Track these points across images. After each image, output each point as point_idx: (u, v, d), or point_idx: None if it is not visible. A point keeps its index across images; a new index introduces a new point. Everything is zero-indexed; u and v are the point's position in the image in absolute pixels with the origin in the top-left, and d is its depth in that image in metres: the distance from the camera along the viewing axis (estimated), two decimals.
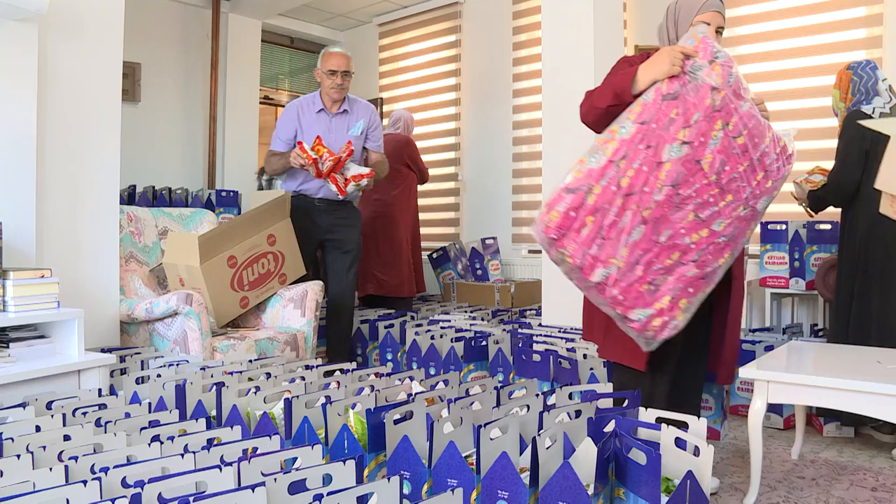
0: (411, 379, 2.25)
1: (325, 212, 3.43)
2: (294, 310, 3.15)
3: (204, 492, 1.26)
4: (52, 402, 1.94)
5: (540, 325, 3.51)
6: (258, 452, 1.49)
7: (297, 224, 3.33)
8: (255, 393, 2.00)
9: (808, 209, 2.91)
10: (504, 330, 3.33)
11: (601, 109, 1.96)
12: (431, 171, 5.15)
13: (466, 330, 3.33)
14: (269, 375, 2.27)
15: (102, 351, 2.49)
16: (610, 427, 1.64)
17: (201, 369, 2.33)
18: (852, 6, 3.59)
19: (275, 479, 1.25)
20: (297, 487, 1.28)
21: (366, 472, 1.69)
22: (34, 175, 2.52)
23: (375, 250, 4.31)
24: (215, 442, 1.59)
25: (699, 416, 1.82)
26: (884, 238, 2.51)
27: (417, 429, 1.67)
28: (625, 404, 1.89)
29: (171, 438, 1.54)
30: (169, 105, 5.18)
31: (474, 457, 1.52)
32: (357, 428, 1.75)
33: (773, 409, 2.81)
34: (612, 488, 1.55)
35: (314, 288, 3.19)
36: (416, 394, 1.98)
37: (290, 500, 1.25)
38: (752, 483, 2.00)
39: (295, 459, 1.46)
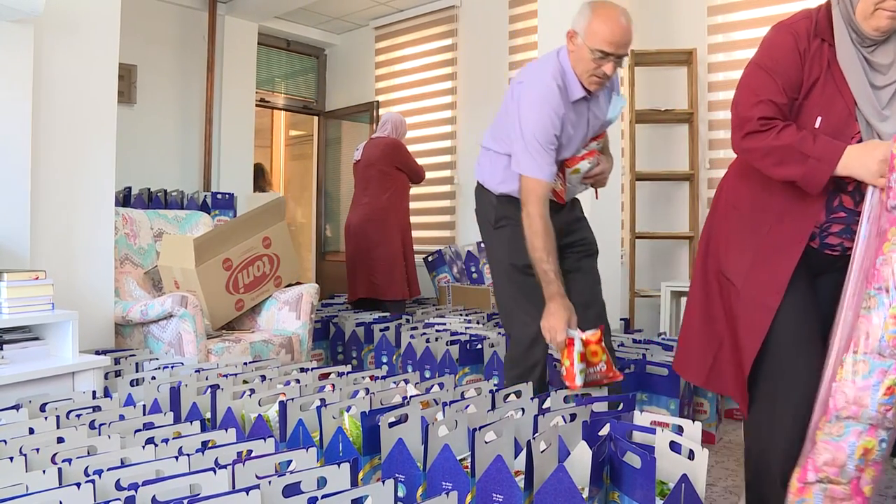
0: (406, 382, 2.25)
1: (555, 208, 2.25)
2: (289, 312, 3.14)
3: (198, 494, 1.26)
4: (45, 404, 1.93)
5: None
6: (253, 455, 1.49)
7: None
8: (250, 395, 1.99)
9: None
10: (499, 333, 3.33)
11: (773, 174, 1.60)
12: (428, 174, 5.13)
13: (462, 333, 3.33)
14: (263, 378, 2.27)
15: (97, 353, 2.48)
16: (605, 430, 1.65)
17: (196, 371, 2.33)
18: None
19: (269, 482, 1.24)
20: (291, 490, 1.27)
21: (360, 475, 1.69)
22: (29, 176, 2.51)
23: (367, 254, 4.31)
24: (210, 444, 1.58)
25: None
26: None
27: (412, 432, 1.67)
28: (620, 407, 1.89)
29: (166, 441, 1.54)
30: (165, 107, 5.17)
31: (469, 460, 1.52)
32: (352, 431, 1.75)
33: None
34: (606, 492, 1.55)
35: (309, 290, 3.18)
36: (411, 397, 1.98)
37: (285, 503, 1.25)
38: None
39: (289, 462, 1.46)
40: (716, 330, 1.78)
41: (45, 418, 1.72)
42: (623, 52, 2.06)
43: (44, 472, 1.30)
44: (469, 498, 1.50)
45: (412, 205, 4.67)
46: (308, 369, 2.45)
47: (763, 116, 1.57)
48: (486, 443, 1.52)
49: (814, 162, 1.51)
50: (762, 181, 1.67)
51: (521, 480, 1.44)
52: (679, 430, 1.68)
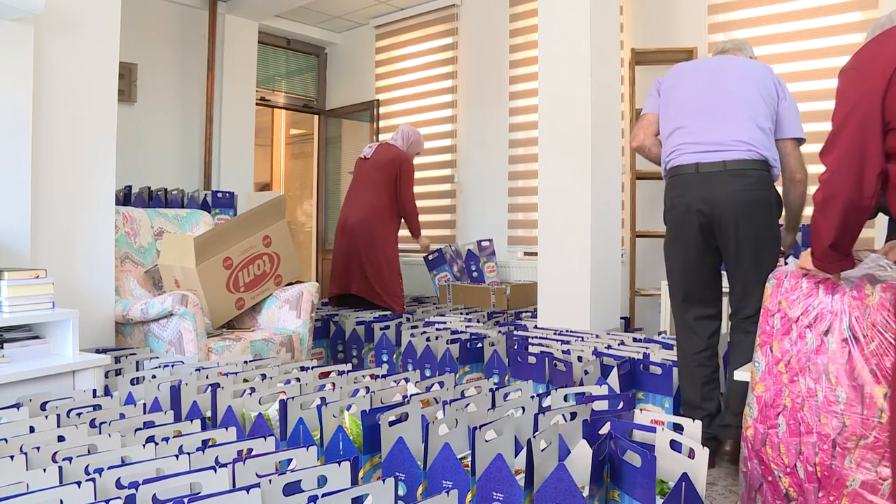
0: (407, 381, 2.25)
1: None
2: (290, 311, 3.14)
3: (199, 493, 1.26)
4: (46, 402, 1.93)
5: (535, 327, 3.51)
6: (253, 454, 1.49)
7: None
8: (251, 394, 1.99)
9: None
10: (499, 332, 3.33)
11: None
12: (428, 174, 5.14)
13: (462, 332, 3.33)
14: (264, 377, 2.27)
15: (97, 352, 2.49)
16: (605, 429, 1.65)
17: (196, 370, 2.33)
18: (848, 11, 3.61)
19: (269, 481, 1.24)
20: (291, 489, 1.28)
21: (361, 474, 1.69)
22: (29, 175, 2.51)
23: (371, 253, 4.28)
24: (210, 443, 1.58)
25: None
26: None
27: (413, 430, 1.67)
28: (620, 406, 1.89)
29: (166, 439, 1.54)
30: (165, 106, 5.17)
31: (469, 459, 1.52)
32: (352, 429, 1.75)
33: None
34: (606, 490, 1.55)
35: (310, 289, 3.19)
36: (411, 395, 1.98)
37: (285, 502, 1.25)
38: None
39: (290, 461, 1.46)
40: None
41: (46, 417, 1.72)
42: None
43: (44, 470, 1.31)
44: (469, 496, 1.50)
45: None
46: (308, 368, 2.45)
47: None
48: (487, 441, 1.52)
49: None
50: None
51: (521, 479, 1.44)
52: (679, 428, 1.68)
